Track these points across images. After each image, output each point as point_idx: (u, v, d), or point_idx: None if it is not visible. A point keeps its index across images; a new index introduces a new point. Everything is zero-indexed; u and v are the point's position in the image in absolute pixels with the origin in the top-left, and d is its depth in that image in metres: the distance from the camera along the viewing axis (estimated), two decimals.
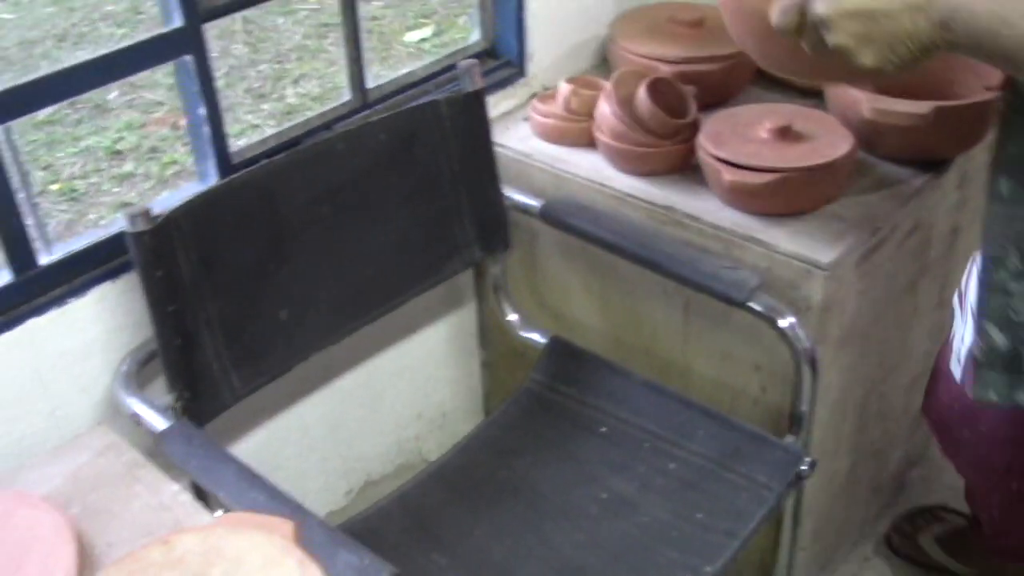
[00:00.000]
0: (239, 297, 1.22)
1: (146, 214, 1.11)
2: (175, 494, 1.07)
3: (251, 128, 2.93)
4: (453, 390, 1.80)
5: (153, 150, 2.86)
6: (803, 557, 1.53)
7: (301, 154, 1.29)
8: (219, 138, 1.30)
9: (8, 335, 1.17)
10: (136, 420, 1.17)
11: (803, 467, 1.30)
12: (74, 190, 2.72)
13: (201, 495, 1.12)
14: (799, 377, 1.27)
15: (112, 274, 1.24)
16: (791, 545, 1.45)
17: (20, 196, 1.17)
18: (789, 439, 1.32)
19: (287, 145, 1.39)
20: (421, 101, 1.42)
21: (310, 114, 1.46)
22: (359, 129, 1.34)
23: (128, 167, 2.80)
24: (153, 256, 1.12)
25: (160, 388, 1.21)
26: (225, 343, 1.21)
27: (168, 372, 1.18)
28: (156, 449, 1.14)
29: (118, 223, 1.18)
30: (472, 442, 1.42)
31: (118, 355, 1.26)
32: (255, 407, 1.43)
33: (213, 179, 1.32)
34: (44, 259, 1.20)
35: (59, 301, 1.20)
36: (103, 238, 1.24)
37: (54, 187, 2.72)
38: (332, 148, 1.30)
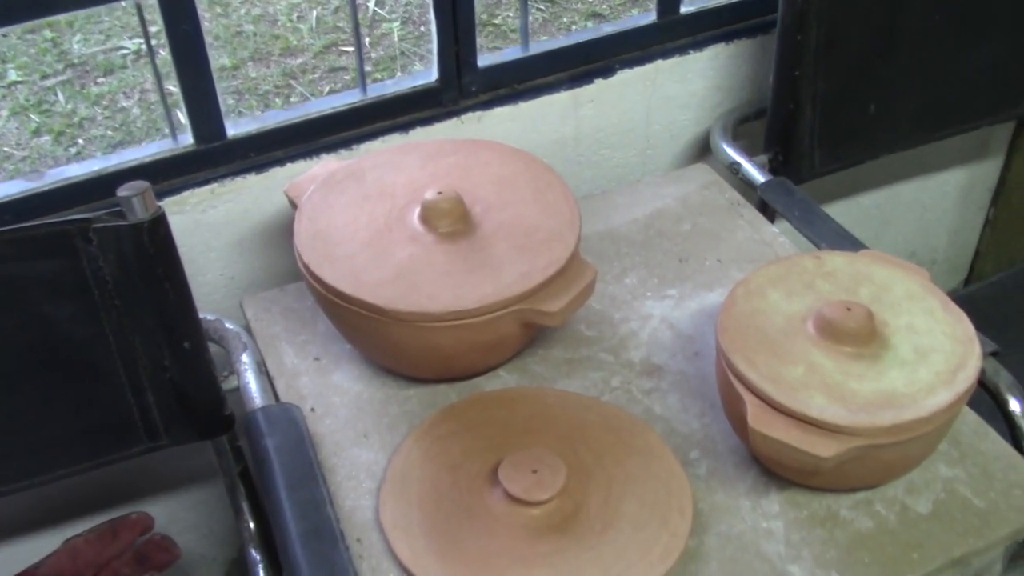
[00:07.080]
0: (843, 80, 1.29)
1: None
2: (774, 235, 1.18)
3: None
4: (950, 240, 1.81)
5: None
6: None
7: None
8: None
9: (638, 69, 1.32)
10: (735, 169, 1.29)
11: None
12: None
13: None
14: None
15: (727, 37, 1.35)
16: None
17: None
18: None
19: None
20: None
21: None
22: None
23: None
24: (798, 19, 1.21)
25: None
26: (820, 121, 1.29)
27: (769, 133, 1.29)
28: (750, 196, 1.26)
29: None
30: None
31: (706, 113, 1.39)
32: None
33: None
34: (683, 9, 1.33)
35: (682, 50, 1.33)
36: None
37: None
38: None
